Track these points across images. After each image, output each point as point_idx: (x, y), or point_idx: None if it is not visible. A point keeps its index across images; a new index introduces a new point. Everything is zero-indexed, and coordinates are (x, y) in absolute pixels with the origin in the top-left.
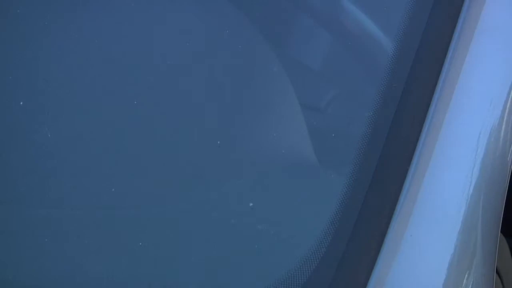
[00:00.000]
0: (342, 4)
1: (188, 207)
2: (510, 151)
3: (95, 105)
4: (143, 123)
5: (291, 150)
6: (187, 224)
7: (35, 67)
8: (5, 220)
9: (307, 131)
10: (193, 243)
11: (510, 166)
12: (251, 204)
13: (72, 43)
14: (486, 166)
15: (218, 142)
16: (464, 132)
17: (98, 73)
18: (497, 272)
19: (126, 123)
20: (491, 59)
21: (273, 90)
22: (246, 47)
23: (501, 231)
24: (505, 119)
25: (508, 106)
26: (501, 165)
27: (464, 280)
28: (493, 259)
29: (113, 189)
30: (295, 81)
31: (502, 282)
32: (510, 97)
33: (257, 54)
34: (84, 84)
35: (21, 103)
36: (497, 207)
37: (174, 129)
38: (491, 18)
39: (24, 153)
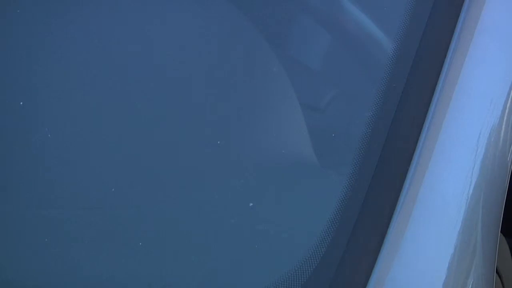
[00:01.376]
0: (342, 4)
1: (188, 207)
2: (510, 151)
3: (95, 105)
4: (143, 123)
5: (291, 150)
6: (187, 224)
7: (35, 67)
8: (5, 220)
9: (307, 131)
10: (193, 243)
11: (510, 166)
12: (251, 204)
13: (72, 43)
14: (486, 166)
15: (218, 142)
16: (464, 132)
17: (98, 73)
18: (497, 272)
19: (126, 123)
20: (491, 59)
21: (273, 90)
22: (246, 47)
23: (501, 231)
24: (505, 119)
25: (508, 106)
26: (501, 165)
27: (464, 280)
28: (493, 259)
29: (113, 189)
30: (295, 81)
31: (502, 282)
32: (510, 97)
33: (257, 54)
34: (84, 84)
35: (21, 103)
36: (497, 207)
37: (174, 129)
38: (491, 18)
39: (24, 153)
